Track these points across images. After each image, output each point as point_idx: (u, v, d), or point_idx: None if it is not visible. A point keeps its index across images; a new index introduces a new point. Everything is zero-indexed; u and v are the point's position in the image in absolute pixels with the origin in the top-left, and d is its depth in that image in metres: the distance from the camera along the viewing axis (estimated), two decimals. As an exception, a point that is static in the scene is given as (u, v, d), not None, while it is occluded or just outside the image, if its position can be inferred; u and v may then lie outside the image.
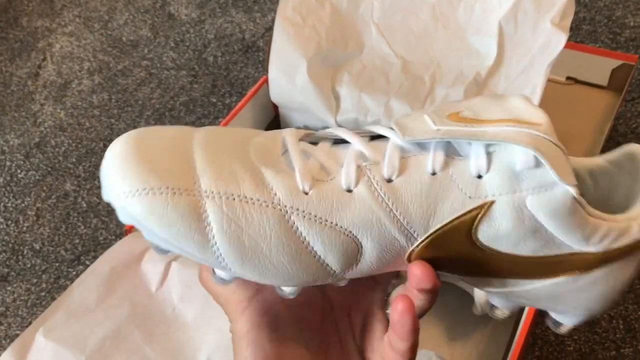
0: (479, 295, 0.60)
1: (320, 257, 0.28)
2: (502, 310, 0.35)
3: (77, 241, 0.78)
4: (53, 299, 0.73)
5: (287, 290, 0.30)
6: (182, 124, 0.90)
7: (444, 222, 0.28)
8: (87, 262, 0.75)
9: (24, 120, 0.94)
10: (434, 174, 0.28)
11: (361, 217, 0.28)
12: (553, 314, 0.34)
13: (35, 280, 0.74)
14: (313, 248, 0.28)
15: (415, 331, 0.30)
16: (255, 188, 0.27)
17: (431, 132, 0.28)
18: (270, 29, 1.02)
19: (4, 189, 0.84)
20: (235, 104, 0.91)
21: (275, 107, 0.76)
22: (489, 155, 0.28)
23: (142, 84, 0.97)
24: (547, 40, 0.65)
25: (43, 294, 0.73)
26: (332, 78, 0.69)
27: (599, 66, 0.79)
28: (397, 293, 0.32)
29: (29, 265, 0.76)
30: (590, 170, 0.34)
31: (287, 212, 0.27)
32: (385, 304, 0.35)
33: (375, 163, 0.29)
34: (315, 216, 0.28)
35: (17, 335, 0.69)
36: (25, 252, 0.77)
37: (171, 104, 0.93)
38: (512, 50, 0.68)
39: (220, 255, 0.27)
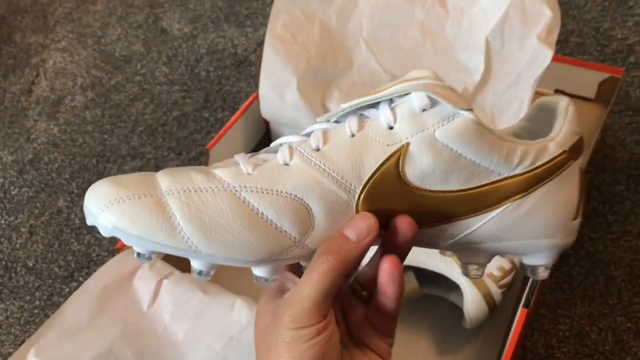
0: (469, 308, 0.60)
1: (275, 223, 0.32)
2: (476, 268, 0.36)
3: (70, 258, 0.78)
4: (46, 316, 0.73)
5: (262, 273, 0.33)
6: (174, 138, 0.90)
7: (373, 170, 0.32)
8: (81, 279, 0.75)
9: (17, 136, 0.94)
10: (352, 135, 0.33)
11: (301, 180, 0.32)
12: (524, 260, 0.36)
13: (28, 298, 0.74)
14: (267, 216, 0.32)
15: (402, 284, 0.34)
16: (206, 180, 0.32)
17: (339, 109, 0.34)
18: (262, 44, 1.03)
19: (-3, 206, 0.85)
20: (228, 118, 0.92)
21: (266, 123, 0.77)
22: (392, 109, 0.33)
23: (135, 99, 0.97)
24: (533, 56, 0.66)
25: (36, 311, 0.73)
26: (322, 94, 0.70)
27: (587, 79, 0.80)
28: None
29: (22, 283, 0.76)
30: (514, 133, 0.38)
31: (237, 190, 0.32)
32: (355, 290, 0.37)
33: (303, 141, 0.34)
34: (261, 188, 0.32)
35: (10, 353, 0.69)
36: (18, 269, 0.77)
37: (164, 119, 0.94)
38: (499, 65, 0.68)
39: (189, 238, 0.31)
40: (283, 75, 0.70)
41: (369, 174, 0.32)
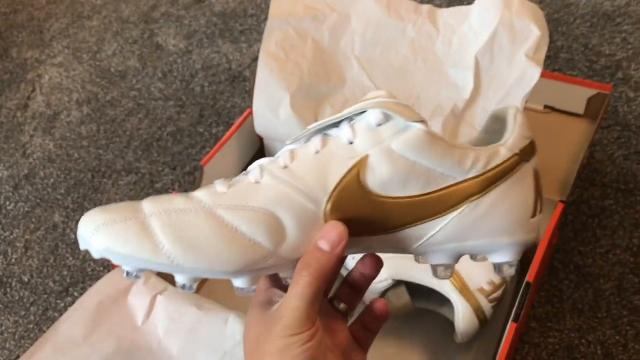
0: (460, 322, 0.61)
1: (249, 236, 0.35)
2: (443, 269, 0.39)
3: (65, 273, 0.78)
4: (41, 331, 0.73)
5: (241, 284, 0.36)
6: (169, 153, 0.91)
7: (336, 181, 0.35)
8: (76, 294, 0.76)
9: (13, 151, 0.95)
10: (317, 152, 0.36)
11: (271, 195, 0.35)
12: (490, 258, 0.38)
13: (23, 313, 0.75)
14: (241, 230, 0.35)
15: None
16: (185, 201, 0.36)
17: (305, 131, 0.38)
18: (256, 59, 1.04)
19: (-8, 221, 0.85)
20: (222, 133, 0.93)
21: (260, 139, 0.78)
22: (352, 126, 0.36)
23: (130, 114, 0.98)
24: (522, 73, 0.67)
25: (31, 326, 0.74)
26: (314, 111, 0.71)
27: (575, 95, 0.81)
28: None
29: (17, 298, 0.76)
30: (473, 145, 0.40)
31: (212, 208, 0.35)
32: (334, 306, 0.41)
33: (272, 162, 0.37)
34: (234, 205, 0.35)
35: (5, 368, 0.70)
36: (13, 284, 0.78)
37: (159, 134, 0.94)
38: (488, 83, 0.70)
39: (170, 254, 0.34)
40: (276, 92, 0.71)
41: (333, 185, 0.35)
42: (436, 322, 0.66)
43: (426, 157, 0.35)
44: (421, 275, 0.63)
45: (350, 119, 0.37)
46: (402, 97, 0.71)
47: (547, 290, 0.70)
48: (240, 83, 1.01)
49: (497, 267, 0.38)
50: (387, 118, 0.36)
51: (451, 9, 0.74)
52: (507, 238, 0.37)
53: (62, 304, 0.75)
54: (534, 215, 0.37)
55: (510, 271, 0.38)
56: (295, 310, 0.34)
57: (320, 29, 0.74)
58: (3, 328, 0.74)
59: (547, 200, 0.70)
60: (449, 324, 0.64)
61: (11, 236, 0.83)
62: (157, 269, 0.35)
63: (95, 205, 0.85)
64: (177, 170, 0.89)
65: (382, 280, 0.63)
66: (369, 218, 0.36)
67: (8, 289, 0.77)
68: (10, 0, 1.25)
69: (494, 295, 0.62)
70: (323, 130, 0.37)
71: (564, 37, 1.00)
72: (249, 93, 0.99)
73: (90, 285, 0.75)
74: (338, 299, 0.42)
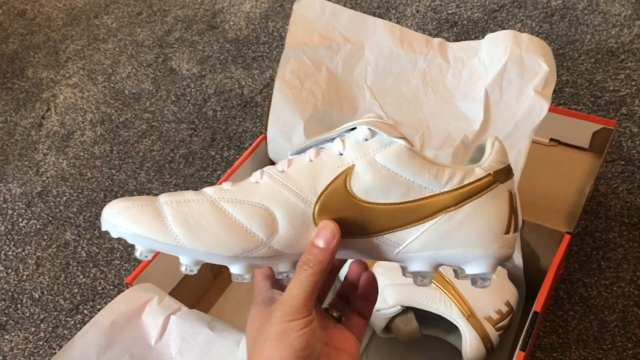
0: (467, 350, 0.62)
1: (246, 226, 0.40)
2: (421, 277, 0.42)
3: (75, 290, 0.79)
4: (51, 348, 0.74)
5: (237, 270, 0.40)
6: (181, 175, 0.93)
7: (325, 185, 0.40)
8: (86, 312, 0.77)
9: (27, 169, 0.96)
10: (310, 161, 0.41)
11: (267, 193, 0.40)
12: (466, 270, 0.41)
13: (33, 329, 0.76)
14: (239, 220, 0.40)
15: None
16: (195, 194, 0.41)
17: (304, 143, 0.43)
18: (267, 86, 1.07)
19: (5, 237, 0.86)
20: (233, 157, 0.95)
21: (273, 164, 0.80)
22: (342, 141, 0.41)
23: (143, 136, 1.00)
24: (530, 107, 0.69)
25: (41, 342, 0.74)
26: (327, 138, 0.73)
27: (581, 129, 0.83)
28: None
29: (27, 314, 0.77)
30: None
31: (216, 200, 0.40)
32: (329, 313, 0.46)
33: (272, 167, 0.42)
34: (236, 199, 0.40)
35: (14, 384, 0.70)
36: (24, 300, 0.79)
37: (171, 156, 0.96)
38: (497, 116, 0.72)
39: (177, 236, 0.39)
40: (291, 119, 0.73)
41: (322, 188, 0.40)
42: (443, 350, 0.67)
43: (406, 169, 0.40)
44: (429, 302, 0.64)
45: (342, 135, 0.42)
46: (412, 127, 0.73)
47: (552, 321, 0.71)
48: (252, 108, 1.03)
49: (472, 279, 0.42)
50: (373, 134, 0.41)
51: (462, 43, 0.76)
52: (479, 250, 0.40)
53: (72, 322, 0.76)
54: (507, 232, 0.41)
55: (484, 284, 0.41)
56: (296, 297, 0.39)
57: (335, 58, 0.76)
58: (13, 344, 0.74)
59: (553, 231, 0.72)
60: (456, 352, 0.65)
61: (23, 253, 0.84)
62: (165, 249, 0.40)
63: (107, 225, 0.86)
64: (188, 192, 0.90)
65: (390, 307, 0.64)
66: (353, 220, 0.40)
67: (19, 305, 0.78)
68: (28, 21, 1.28)
69: (501, 324, 0.63)
70: (319, 144, 0.43)
71: (569, 73, 1.03)
72: (260, 118, 1.01)
73: (100, 304, 0.76)
74: (332, 308, 0.47)
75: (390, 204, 0.40)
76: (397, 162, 0.40)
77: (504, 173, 0.41)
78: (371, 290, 0.47)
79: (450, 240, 0.40)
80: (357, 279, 0.47)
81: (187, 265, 0.41)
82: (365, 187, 0.40)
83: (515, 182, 0.65)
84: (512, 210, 0.41)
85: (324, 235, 0.40)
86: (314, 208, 0.40)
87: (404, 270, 0.43)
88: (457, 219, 0.40)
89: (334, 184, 0.40)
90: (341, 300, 0.48)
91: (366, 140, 0.41)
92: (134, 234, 0.39)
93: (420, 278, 0.42)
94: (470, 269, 0.41)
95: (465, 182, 0.40)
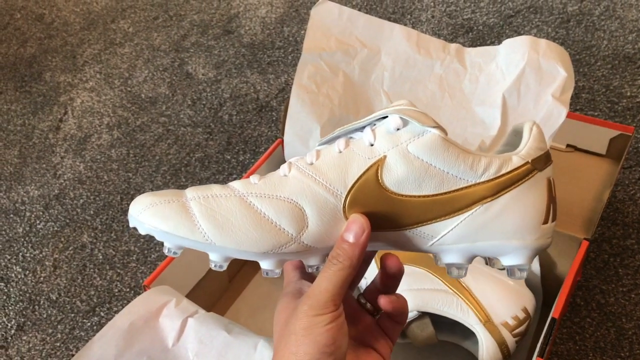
0: (484, 356, 0.62)
1: (275, 222, 0.39)
2: (457, 269, 0.41)
3: (92, 293, 0.80)
4: (67, 349, 0.74)
5: (267, 266, 0.40)
6: (197, 179, 0.93)
7: (356, 178, 0.39)
8: (102, 314, 0.77)
9: (45, 172, 0.97)
10: (340, 152, 0.40)
11: (296, 187, 0.39)
12: (502, 261, 0.40)
13: (50, 331, 0.76)
14: (268, 216, 0.39)
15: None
16: (222, 189, 0.40)
17: (333, 133, 0.42)
18: (283, 90, 1.07)
19: (23, 239, 0.87)
20: (249, 161, 0.95)
21: (288, 168, 0.80)
22: (373, 130, 0.40)
23: (160, 139, 1.01)
24: (548, 113, 0.69)
25: (58, 344, 0.75)
26: (344, 142, 0.73)
27: (598, 135, 0.83)
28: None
29: (44, 316, 0.78)
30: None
31: (244, 195, 0.39)
32: (361, 304, 0.45)
33: (300, 159, 0.41)
34: (264, 194, 0.39)
35: (32, 385, 0.71)
36: (41, 302, 0.79)
37: (187, 159, 0.97)
38: (515, 121, 0.71)
39: (205, 233, 0.38)
40: (307, 123, 0.73)
41: (353, 181, 0.39)
42: (459, 356, 0.67)
43: (440, 160, 0.38)
44: (446, 307, 0.63)
45: (372, 124, 0.40)
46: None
47: (569, 327, 0.71)
48: (267, 113, 1.03)
49: (509, 270, 0.40)
50: (405, 123, 0.39)
51: (479, 48, 0.76)
52: (517, 241, 0.39)
53: (89, 324, 0.77)
54: (546, 221, 0.39)
55: (521, 275, 0.40)
56: (324, 291, 0.38)
57: (352, 63, 0.76)
58: (30, 345, 0.75)
59: (571, 237, 0.71)
60: (473, 358, 0.64)
61: (40, 255, 0.85)
62: (193, 246, 0.39)
63: (123, 227, 0.87)
64: (204, 195, 0.91)
65: (407, 312, 0.64)
66: (385, 214, 0.39)
67: (36, 307, 0.79)
68: (45, 25, 1.29)
69: (518, 330, 0.63)
70: (348, 134, 0.41)
71: (585, 78, 1.02)
72: (276, 122, 1.01)
73: (116, 306, 0.77)
74: (365, 299, 0.45)
75: (424, 196, 0.38)
76: (431, 153, 0.38)
77: (543, 160, 0.40)
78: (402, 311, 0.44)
79: (486, 232, 0.39)
80: (392, 272, 0.44)
81: (216, 262, 0.40)
82: (398, 179, 0.38)
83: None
84: (551, 199, 0.40)
85: (353, 229, 0.38)
86: (344, 202, 0.39)
87: (437, 260, 0.42)
88: (494, 210, 0.38)
89: (364, 177, 0.39)
90: (374, 289, 0.45)
91: (398, 129, 0.39)
92: (162, 231, 0.38)
93: (455, 269, 0.41)
94: (507, 261, 0.40)
95: (503, 172, 0.38)
